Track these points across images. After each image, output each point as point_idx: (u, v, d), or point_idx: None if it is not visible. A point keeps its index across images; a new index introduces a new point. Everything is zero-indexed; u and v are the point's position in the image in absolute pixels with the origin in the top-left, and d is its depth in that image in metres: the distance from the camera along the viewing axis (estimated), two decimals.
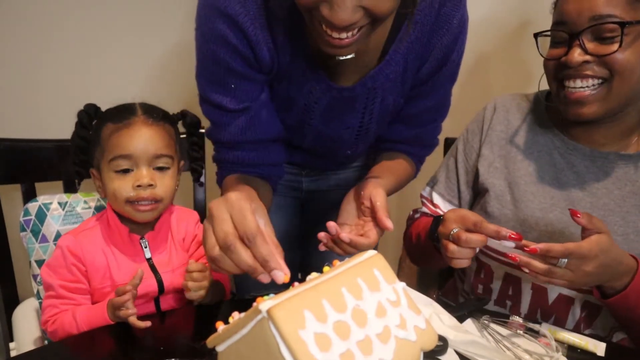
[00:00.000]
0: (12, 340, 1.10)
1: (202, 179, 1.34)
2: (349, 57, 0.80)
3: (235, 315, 0.60)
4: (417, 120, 1.01)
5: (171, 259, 0.95)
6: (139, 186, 0.86)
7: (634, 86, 0.86)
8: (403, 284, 0.66)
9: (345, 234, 0.81)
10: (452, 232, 0.83)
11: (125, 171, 0.87)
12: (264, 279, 0.63)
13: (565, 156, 0.97)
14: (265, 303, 0.50)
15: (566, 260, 0.77)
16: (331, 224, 0.82)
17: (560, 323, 0.95)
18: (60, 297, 0.88)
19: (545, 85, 0.99)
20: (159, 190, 0.88)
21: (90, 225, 0.93)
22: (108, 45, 1.58)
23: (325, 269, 0.64)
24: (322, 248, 0.85)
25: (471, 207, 1.08)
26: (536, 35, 0.93)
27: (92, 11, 1.53)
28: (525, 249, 0.78)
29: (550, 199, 0.95)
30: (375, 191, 0.82)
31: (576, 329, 0.95)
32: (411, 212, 1.17)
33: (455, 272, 1.17)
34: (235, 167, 0.95)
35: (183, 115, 0.96)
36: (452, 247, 0.82)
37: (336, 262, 0.67)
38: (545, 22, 0.94)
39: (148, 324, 0.79)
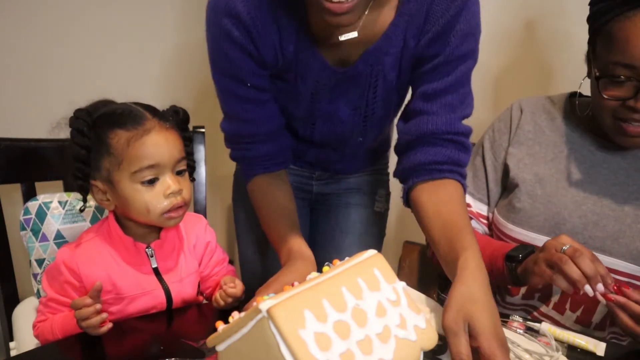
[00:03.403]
0: (12, 340, 1.10)
1: (200, 179, 1.34)
2: (352, 36, 0.81)
3: (235, 315, 0.60)
4: (435, 104, 0.91)
5: (179, 267, 0.91)
6: (170, 194, 0.83)
7: None
8: (403, 284, 0.66)
9: None
10: (564, 248, 0.81)
11: (151, 181, 0.82)
12: None
13: (595, 153, 0.99)
14: (265, 303, 0.50)
15: None
16: None
17: (588, 315, 0.97)
18: (49, 307, 0.87)
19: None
20: (186, 194, 0.86)
21: (90, 236, 0.89)
22: (109, 45, 1.58)
23: (325, 268, 0.64)
24: None
25: (497, 203, 1.08)
26: (598, 79, 0.89)
27: (94, 11, 1.53)
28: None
29: (583, 192, 0.97)
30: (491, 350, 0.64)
31: (602, 323, 0.97)
32: None
33: None
34: (265, 162, 1.01)
35: (175, 112, 0.90)
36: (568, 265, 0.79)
37: (336, 262, 0.67)
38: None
39: (110, 325, 0.78)
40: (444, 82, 0.89)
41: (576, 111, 1.02)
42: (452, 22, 0.85)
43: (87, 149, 0.82)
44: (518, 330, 0.82)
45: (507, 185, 1.06)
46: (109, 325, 0.78)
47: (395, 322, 0.60)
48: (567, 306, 0.98)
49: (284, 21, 0.86)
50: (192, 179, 0.93)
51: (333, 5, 0.73)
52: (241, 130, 0.98)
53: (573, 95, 1.04)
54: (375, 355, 0.55)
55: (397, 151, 0.99)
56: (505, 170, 1.06)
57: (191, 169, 0.92)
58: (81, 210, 0.91)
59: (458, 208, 0.86)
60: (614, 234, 0.94)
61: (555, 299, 1.00)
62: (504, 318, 0.84)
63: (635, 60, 0.83)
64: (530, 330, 0.82)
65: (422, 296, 0.85)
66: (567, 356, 0.77)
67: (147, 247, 0.89)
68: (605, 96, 0.88)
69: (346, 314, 0.55)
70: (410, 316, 0.63)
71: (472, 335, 0.65)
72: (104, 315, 0.77)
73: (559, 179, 1.00)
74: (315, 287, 0.55)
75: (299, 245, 0.92)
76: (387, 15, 0.87)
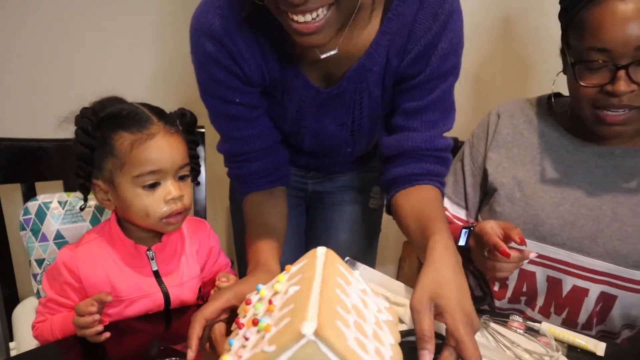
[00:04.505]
0: (12, 340, 1.10)
1: (200, 179, 1.34)
2: (332, 53, 0.81)
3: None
4: (415, 120, 0.92)
5: (180, 271, 0.91)
6: (170, 200, 0.83)
7: None
8: (358, 271, 0.68)
9: None
10: (485, 253, 0.86)
11: (152, 185, 0.82)
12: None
13: (573, 153, 0.99)
14: (305, 326, 0.49)
15: None
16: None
17: (573, 317, 0.98)
18: (48, 308, 0.86)
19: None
20: (187, 200, 0.86)
21: (91, 237, 0.88)
22: (109, 44, 1.58)
23: (280, 277, 0.65)
24: None
25: (479, 208, 1.09)
26: (574, 65, 0.89)
27: (94, 10, 1.53)
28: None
29: (561, 193, 0.98)
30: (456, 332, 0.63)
31: (588, 323, 0.98)
32: None
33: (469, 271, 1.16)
34: (258, 180, 0.99)
35: (182, 115, 0.89)
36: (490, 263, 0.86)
37: (288, 267, 0.67)
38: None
39: (107, 335, 0.78)
40: (425, 101, 0.90)
41: (554, 112, 1.03)
42: (435, 41, 0.85)
43: (91, 148, 0.82)
44: (518, 330, 0.82)
45: (487, 190, 1.07)
46: (107, 334, 0.78)
47: (375, 308, 0.62)
48: (552, 309, 0.99)
49: (266, 40, 0.86)
50: (197, 183, 0.93)
51: (300, 26, 0.73)
52: (233, 149, 0.98)
53: (552, 97, 1.04)
54: (387, 345, 0.57)
55: (381, 160, 1.00)
56: (485, 175, 1.06)
57: (195, 172, 0.91)
58: (81, 209, 0.91)
59: (432, 203, 0.88)
60: (591, 234, 0.94)
61: (540, 302, 1.00)
62: (504, 318, 0.84)
63: (608, 43, 0.83)
64: (530, 330, 0.82)
65: (384, 276, 0.86)
66: (567, 356, 0.78)
67: (148, 250, 0.88)
68: (583, 84, 0.88)
69: (352, 314, 0.56)
70: (377, 300, 0.65)
71: (439, 314, 0.65)
72: (100, 327, 0.77)
73: (537, 180, 1.00)
74: (322, 298, 0.55)
75: (267, 259, 0.89)
76: (369, 32, 0.87)
